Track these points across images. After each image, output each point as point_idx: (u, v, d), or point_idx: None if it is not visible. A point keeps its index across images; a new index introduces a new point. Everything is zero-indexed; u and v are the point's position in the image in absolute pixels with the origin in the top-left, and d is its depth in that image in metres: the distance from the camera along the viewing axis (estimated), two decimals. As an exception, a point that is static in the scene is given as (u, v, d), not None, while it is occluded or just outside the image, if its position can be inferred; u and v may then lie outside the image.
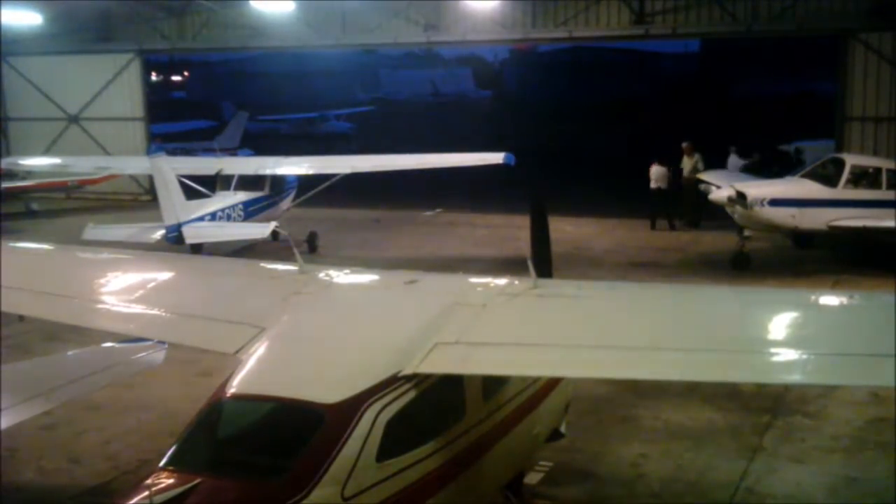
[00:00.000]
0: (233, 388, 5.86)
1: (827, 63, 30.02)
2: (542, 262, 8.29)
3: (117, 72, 30.61)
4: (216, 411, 5.90)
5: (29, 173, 30.18)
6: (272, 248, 18.64)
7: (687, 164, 23.84)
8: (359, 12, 27.03)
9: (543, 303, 6.63)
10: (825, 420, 10.76)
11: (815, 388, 11.15)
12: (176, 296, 7.60)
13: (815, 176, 18.74)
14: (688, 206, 23.63)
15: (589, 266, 18.92)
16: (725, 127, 43.21)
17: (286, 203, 21.90)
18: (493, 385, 6.77)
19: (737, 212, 18.22)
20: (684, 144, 24.23)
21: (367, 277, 7.98)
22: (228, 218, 19.76)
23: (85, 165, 25.05)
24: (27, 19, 28.46)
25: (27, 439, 9.72)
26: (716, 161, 24.22)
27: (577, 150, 39.29)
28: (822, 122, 26.50)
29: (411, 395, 5.83)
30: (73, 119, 31.45)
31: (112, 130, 30.88)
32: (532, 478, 8.81)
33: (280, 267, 7.98)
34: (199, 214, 18.97)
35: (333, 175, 20.47)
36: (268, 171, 20.78)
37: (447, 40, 28.52)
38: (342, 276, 7.63)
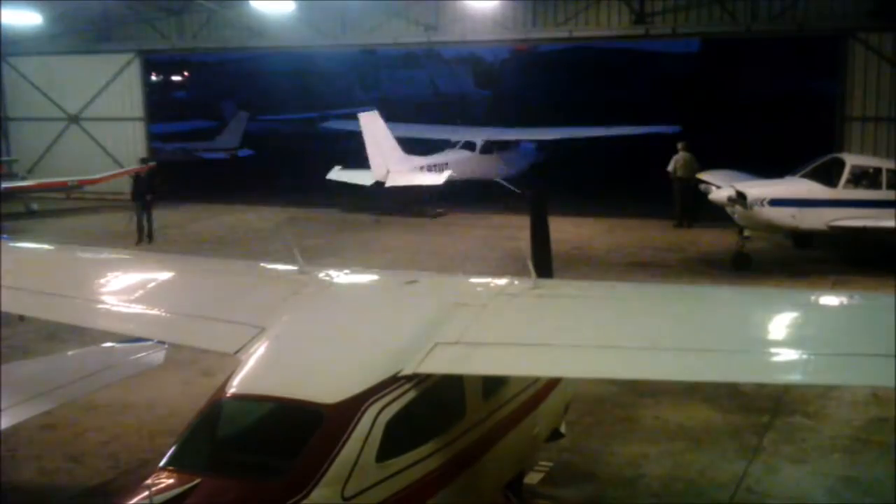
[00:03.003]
0: (233, 388, 5.87)
1: (827, 63, 29.98)
2: (542, 262, 8.29)
3: (117, 72, 30.59)
4: (216, 411, 5.90)
5: (29, 173, 30.26)
6: (274, 248, 18.61)
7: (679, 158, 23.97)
8: (359, 12, 27.01)
9: (543, 303, 6.64)
10: (825, 420, 10.76)
11: (815, 388, 11.15)
12: (176, 296, 7.60)
13: (815, 176, 18.73)
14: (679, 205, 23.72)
15: (589, 266, 18.92)
16: (725, 127, 43.25)
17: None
18: (493, 385, 6.77)
19: (737, 212, 18.20)
20: (680, 145, 24.16)
21: (367, 277, 7.98)
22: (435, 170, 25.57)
23: None
24: (27, 19, 28.43)
25: (27, 439, 9.73)
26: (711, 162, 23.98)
27: (577, 150, 39.22)
28: (822, 123, 26.47)
29: (411, 395, 5.83)
30: (73, 119, 31.44)
31: (112, 130, 30.87)
32: (532, 478, 8.81)
33: (280, 267, 7.98)
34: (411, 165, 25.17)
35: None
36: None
37: (447, 40, 28.50)
38: (342, 277, 7.63)
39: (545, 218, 8.84)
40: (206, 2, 27.87)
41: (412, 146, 27.45)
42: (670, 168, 23.85)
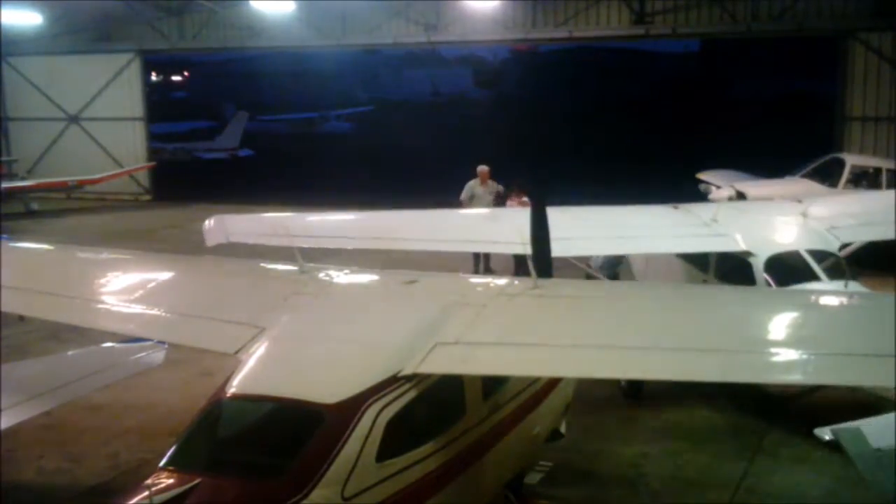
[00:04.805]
0: (233, 388, 5.86)
1: (827, 63, 30.00)
2: (542, 262, 8.29)
3: (117, 72, 30.62)
4: (216, 411, 5.90)
5: (29, 173, 30.29)
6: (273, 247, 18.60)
7: (480, 191, 18.07)
8: (359, 12, 27.05)
9: (543, 303, 6.62)
10: (824, 420, 10.72)
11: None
12: (176, 296, 7.59)
13: (815, 176, 18.73)
14: None
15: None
16: (725, 127, 43.27)
17: None
18: (493, 385, 6.77)
19: (737, 212, 18.17)
20: (481, 168, 18.18)
21: (367, 277, 7.97)
22: None
23: None
24: (27, 19, 28.48)
25: (27, 439, 9.72)
26: (711, 162, 23.50)
27: (577, 150, 39.28)
28: (822, 122, 26.49)
29: (411, 395, 5.82)
30: (73, 119, 31.46)
31: (112, 130, 30.92)
32: (532, 478, 8.79)
33: (280, 267, 7.96)
34: None
35: None
36: None
37: (447, 40, 28.58)
38: (342, 276, 7.62)
39: (545, 218, 8.83)
40: (206, 2, 27.88)
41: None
42: (463, 197, 18.11)
